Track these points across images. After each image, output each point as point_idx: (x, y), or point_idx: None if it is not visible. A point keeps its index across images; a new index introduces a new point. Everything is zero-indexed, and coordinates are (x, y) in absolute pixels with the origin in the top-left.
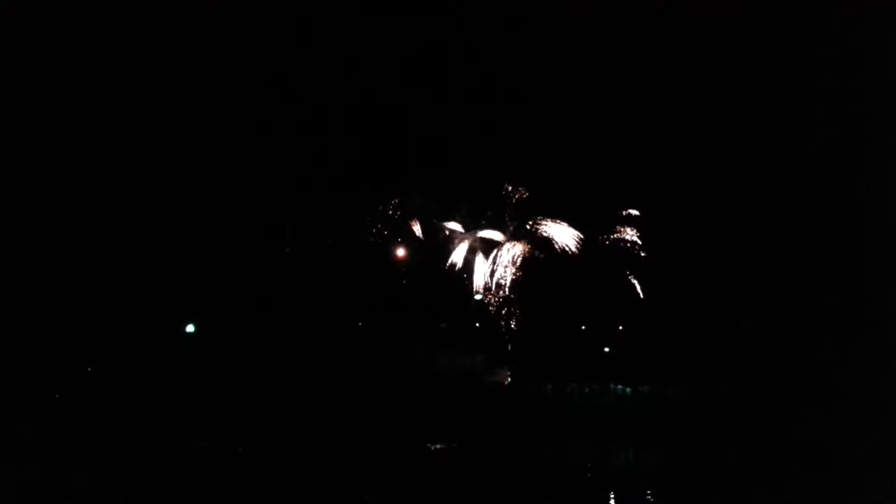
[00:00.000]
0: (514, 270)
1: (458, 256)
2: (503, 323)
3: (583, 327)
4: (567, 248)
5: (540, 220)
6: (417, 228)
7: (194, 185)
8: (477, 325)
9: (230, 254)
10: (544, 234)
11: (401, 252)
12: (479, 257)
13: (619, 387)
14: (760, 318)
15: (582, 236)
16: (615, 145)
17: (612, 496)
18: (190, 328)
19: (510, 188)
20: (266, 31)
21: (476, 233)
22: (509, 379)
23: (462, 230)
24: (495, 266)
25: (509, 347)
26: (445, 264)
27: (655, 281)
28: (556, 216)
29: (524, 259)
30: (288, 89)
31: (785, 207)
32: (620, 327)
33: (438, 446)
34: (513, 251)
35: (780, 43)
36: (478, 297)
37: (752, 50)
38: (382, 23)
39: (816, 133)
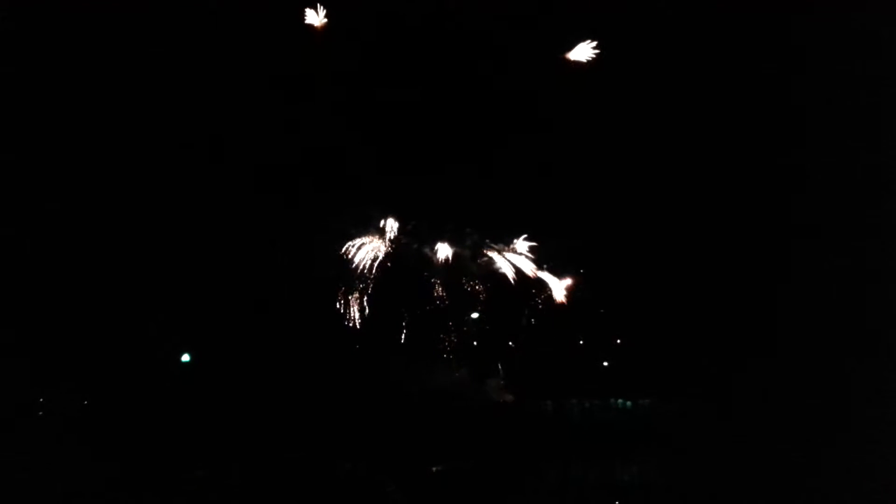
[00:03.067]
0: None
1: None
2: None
3: (580, 342)
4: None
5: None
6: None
7: (184, 213)
8: (475, 343)
9: (222, 280)
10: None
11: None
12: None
13: (620, 401)
14: (763, 327)
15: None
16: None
17: None
18: (185, 357)
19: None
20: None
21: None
22: (509, 396)
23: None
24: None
25: (506, 364)
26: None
27: (655, 294)
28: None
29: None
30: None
31: (791, 218)
32: (619, 340)
33: (439, 468)
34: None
35: None
36: (474, 315)
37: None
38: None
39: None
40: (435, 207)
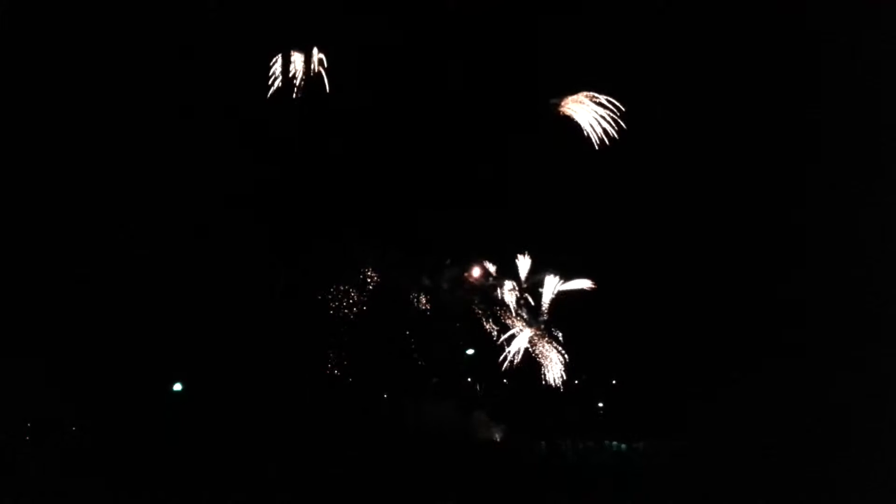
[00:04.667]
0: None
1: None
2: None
3: (575, 381)
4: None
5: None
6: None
7: (181, 239)
8: (469, 379)
9: (218, 309)
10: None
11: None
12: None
13: (615, 443)
14: (757, 368)
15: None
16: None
17: None
18: (177, 387)
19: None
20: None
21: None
22: (497, 431)
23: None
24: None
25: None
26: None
27: (648, 334)
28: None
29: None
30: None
31: (782, 262)
32: (614, 381)
33: None
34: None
35: None
36: (470, 351)
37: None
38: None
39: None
40: (414, 243)
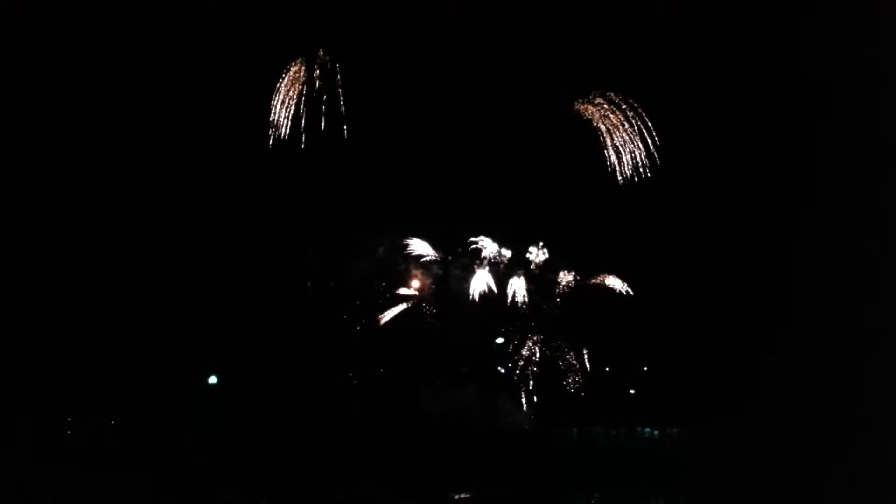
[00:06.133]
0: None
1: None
2: (528, 368)
3: (606, 368)
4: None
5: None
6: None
7: (210, 237)
8: (500, 368)
9: (250, 304)
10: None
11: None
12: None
13: (647, 430)
14: (788, 355)
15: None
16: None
17: None
18: (213, 379)
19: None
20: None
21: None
22: (524, 416)
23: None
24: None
25: (531, 389)
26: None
27: (681, 320)
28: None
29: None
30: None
31: (809, 246)
32: (645, 368)
33: (463, 496)
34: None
35: None
36: (499, 340)
37: None
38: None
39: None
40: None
